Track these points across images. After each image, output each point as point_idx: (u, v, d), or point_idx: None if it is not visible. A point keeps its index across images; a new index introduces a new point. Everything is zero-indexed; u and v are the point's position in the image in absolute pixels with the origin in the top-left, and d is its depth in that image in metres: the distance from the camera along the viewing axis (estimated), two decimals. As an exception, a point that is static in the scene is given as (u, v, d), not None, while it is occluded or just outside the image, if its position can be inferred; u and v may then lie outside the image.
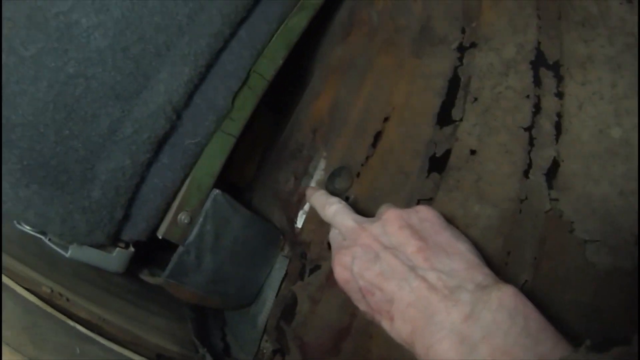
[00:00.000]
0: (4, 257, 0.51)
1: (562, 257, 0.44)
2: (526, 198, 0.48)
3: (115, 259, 0.52)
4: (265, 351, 0.65)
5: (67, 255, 0.50)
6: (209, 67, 0.51)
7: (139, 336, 0.56)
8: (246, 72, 0.58)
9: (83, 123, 0.43)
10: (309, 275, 0.61)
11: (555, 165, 0.48)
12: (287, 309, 0.63)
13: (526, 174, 0.49)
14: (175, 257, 0.57)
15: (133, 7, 0.44)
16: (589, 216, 0.43)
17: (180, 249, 0.56)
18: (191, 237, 0.57)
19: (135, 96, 0.45)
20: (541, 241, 0.45)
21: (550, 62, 0.53)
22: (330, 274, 0.58)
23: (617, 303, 0.40)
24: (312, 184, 0.67)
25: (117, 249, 0.52)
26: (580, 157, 0.47)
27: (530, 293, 0.42)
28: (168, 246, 0.56)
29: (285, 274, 0.65)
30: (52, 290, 0.51)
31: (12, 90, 0.42)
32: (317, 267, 0.60)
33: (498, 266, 0.46)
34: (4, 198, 0.43)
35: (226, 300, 0.65)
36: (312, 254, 0.62)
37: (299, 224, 0.66)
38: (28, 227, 0.48)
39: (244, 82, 0.58)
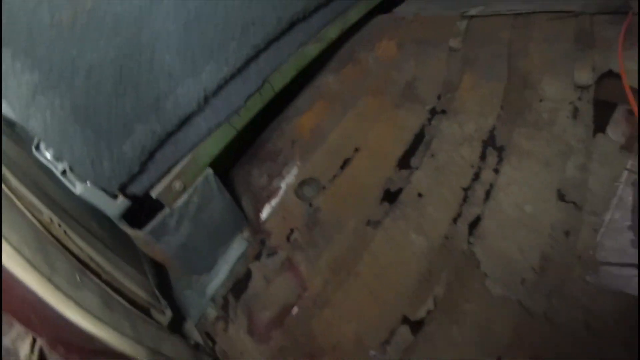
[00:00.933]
0: (12, 179, 0.57)
1: (468, 281, 0.60)
2: (451, 237, 0.64)
3: (116, 205, 0.59)
4: (208, 317, 0.74)
5: (77, 191, 0.56)
6: (241, 70, 0.62)
7: (118, 279, 0.63)
8: (262, 81, 0.69)
9: (138, 86, 0.51)
10: (266, 258, 0.72)
11: (477, 220, 0.65)
12: (239, 283, 0.73)
13: (455, 221, 0.66)
14: (159, 217, 0.65)
15: (204, 6, 0.54)
16: (493, 260, 0.60)
17: (167, 210, 0.65)
18: (178, 203, 0.66)
19: (183, 78, 0.55)
20: (456, 269, 0.61)
21: (498, 145, 0.71)
22: (285, 261, 0.70)
23: (504, 324, 0.57)
24: (283, 185, 0.79)
25: (121, 197, 0.60)
26: (497, 219, 0.64)
27: (441, 303, 0.58)
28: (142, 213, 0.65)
29: (242, 254, 0.76)
30: (51, 220, 0.57)
31: (88, 35, 0.49)
32: (274, 253, 0.72)
33: (420, 281, 0.61)
34: (44, 126, 0.50)
35: (186, 267, 0.74)
36: (271, 242, 0.74)
37: (264, 216, 0.77)
38: (48, 156, 0.54)
39: (258, 89, 0.69)
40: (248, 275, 0.73)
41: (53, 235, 0.56)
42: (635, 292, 0.57)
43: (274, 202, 0.77)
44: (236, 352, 0.68)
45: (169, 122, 0.56)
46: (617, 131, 0.67)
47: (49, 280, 0.48)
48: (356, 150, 0.80)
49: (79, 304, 0.50)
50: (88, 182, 0.56)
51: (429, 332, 0.58)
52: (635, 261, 0.61)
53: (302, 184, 0.78)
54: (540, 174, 0.67)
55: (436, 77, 0.85)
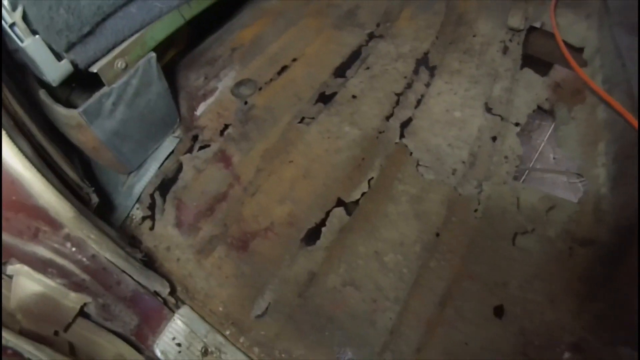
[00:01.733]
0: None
1: (401, 166, 0.63)
2: (384, 132, 0.67)
3: (59, 68, 0.54)
4: (134, 218, 0.70)
5: (23, 44, 0.51)
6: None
7: (47, 150, 0.57)
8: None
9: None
10: (198, 151, 0.70)
11: (409, 120, 0.68)
12: (167, 180, 0.70)
13: (387, 119, 0.68)
14: (97, 95, 0.60)
15: None
16: (424, 152, 0.64)
17: (105, 89, 0.61)
18: (118, 83, 0.62)
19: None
20: (388, 156, 0.64)
21: (430, 65, 0.77)
22: (217, 152, 0.68)
23: (439, 203, 0.60)
24: (220, 86, 0.77)
25: (66, 59, 0.55)
26: (428, 119, 0.68)
27: (375, 185, 0.60)
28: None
29: (172, 152, 0.72)
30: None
31: None
32: (206, 146, 0.70)
33: (354, 167, 0.63)
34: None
35: (116, 159, 0.69)
36: (204, 136, 0.71)
37: (199, 113, 0.75)
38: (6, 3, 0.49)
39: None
40: (178, 169, 0.69)
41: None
42: (556, 194, 0.63)
43: (209, 100, 0.75)
44: (162, 249, 0.64)
45: (124, -11, 0.54)
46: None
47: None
48: (294, 60, 0.81)
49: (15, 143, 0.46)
50: (38, 35, 0.52)
51: (364, 211, 0.60)
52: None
53: (238, 84, 0.76)
54: (469, 89, 0.73)
55: (378, 7, 0.90)
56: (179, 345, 0.57)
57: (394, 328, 0.52)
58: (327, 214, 0.60)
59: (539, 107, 0.72)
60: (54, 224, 0.53)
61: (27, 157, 0.48)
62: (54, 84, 0.56)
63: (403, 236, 0.57)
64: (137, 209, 0.71)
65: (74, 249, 0.56)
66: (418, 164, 0.63)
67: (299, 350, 0.53)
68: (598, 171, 0.63)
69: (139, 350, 0.59)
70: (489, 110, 0.70)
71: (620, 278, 0.55)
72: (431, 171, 0.63)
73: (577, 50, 0.77)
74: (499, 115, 0.70)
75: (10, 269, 0.51)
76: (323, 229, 0.59)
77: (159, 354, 0.58)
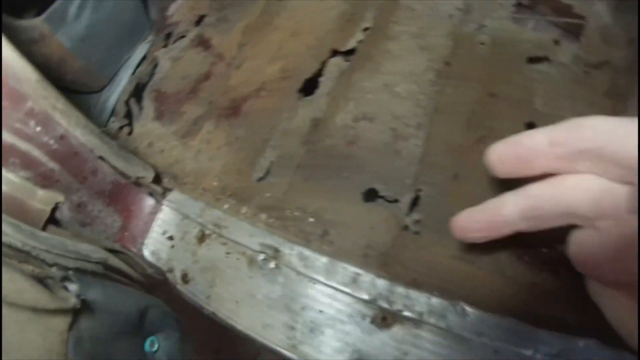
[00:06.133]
0: None
1: (394, 11, 0.56)
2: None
3: None
4: (110, 131, 0.63)
5: None
6: None
7: None
8: None
9: None
10: (173, 44, 0.63)
11: None
12: (143, 84, 0.62)
13: None
14: (59, 1, 0.55)
15: None
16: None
17: None
18: None
19: None
20: (379, 7, 0.57)
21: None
22: (194, 38, 0.61)
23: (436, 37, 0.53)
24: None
25: None
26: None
27: (371, 32, 0.53)
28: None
29: (145, 57, 0.65)
30: None
31: None
32: (182, 37, 0.63)
33: (346, 20, 0.56)
34: None
35: (86, 69, 0.63)
36: (179, 30, 0.65)
37: (171, 11, 0.68)
38: None
39: None
40: (154, 68, 0.62)
41: None
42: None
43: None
44: (144, 147, 0.56)
45: None
46: None
47: None
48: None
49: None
50: None
51: (364, 53, 0.52)
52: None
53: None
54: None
55: None
56: (170, 239, 0.49)
57: (423, 157, 0.44)
58: (323, 64, 0.53)
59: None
60: (15, 96, 0.44)
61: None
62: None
63: (412, 66, 0.50)
64: (113, 122, 0.63)
65: (38, 128, 0.47)
66: (412, 9, 0.56)
67: (316, 202, 0.44)
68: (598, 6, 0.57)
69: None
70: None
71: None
72: (425, 17, 0.56)
73: None
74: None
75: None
76: (320, 78, 0.51)
77: (148, 255, 0.49)
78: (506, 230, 0.30)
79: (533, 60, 0.53)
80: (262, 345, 0.41)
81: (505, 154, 0.30)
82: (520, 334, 0.36)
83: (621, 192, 0.24)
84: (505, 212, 0.29)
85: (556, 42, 0.55)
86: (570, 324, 0.36)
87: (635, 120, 0.23)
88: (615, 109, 0.51)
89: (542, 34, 0.55)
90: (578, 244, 0.28)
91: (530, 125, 0.46)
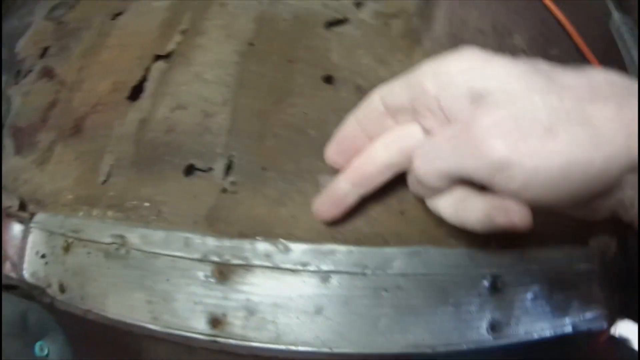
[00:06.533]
0: None
1: (206, 9, 0.62)
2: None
3: None
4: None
5: None
6: None
7: None
8: None
9: None
10: (23, 79, 0.67)
11: None
12: None
13: None
14: None
15: None
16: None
17: None
18: None
19: None
20: (194, 9, 0.63)
21: None
22: (40, 70, 0.66)
23: (242, 24, 0.59)
24: (34, 19, 0.74)
25: None
26: None
27: (189, 31, 0.59)
28: None
29: None
30: None
31: None
32: (29, 71, 0.68)
33: (166, 26, 0.62)
34: None
35: None
36: (25, 65, 0.68)
37: (18, 48, 0.72)
38: None
39: None
40: (8, 104, 0.67)
41: None
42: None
43: (26, 34, 0.73)
44: (10, 183, 0.61)
45: None
46: None
47: None
48: None
49: None
50: None
51: (179, 52, 0.59)
52: None
53: (51, 9, 0.75)
54: None
55: None
56: (43, 256, 0.54)
57: (231, 127, 0.51)
58: (147, 70, 0.59)
59: None
60: None
61: None
62: None
63: (219, 54, 0.56)
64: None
65: None
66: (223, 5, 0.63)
67: (148, 189, 0.50)
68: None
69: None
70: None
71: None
72: (233, 9, 0.62)
73: None
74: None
75: None
76: (145, 83, 0.57)
77: (29, 278, 0.54)
78: (350, 201, 0.37)
79: (332, 24, 0.60)
80: (132, 326, 0.47)
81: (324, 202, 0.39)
82: (334, 253, 0.43)
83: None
84: (339, 190, 0.36)
85: (358, 5, 0.62)
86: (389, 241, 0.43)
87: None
88: (411, 48, 0.58)
89: (344, 1, 0.62)
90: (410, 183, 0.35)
91: (328, 78, 0.54)
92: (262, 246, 0.44)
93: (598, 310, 0.49)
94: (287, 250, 0.44)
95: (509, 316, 0.45)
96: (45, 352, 0.49)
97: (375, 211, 0.44)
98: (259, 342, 0.43)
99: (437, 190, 0.30)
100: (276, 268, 0.44)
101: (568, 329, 0.47)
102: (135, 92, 0.57)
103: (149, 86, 0.57)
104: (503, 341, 0.44)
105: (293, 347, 0.42)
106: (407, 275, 0.43)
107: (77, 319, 0.52)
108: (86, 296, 0.50)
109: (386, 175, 0.34)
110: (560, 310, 0.47)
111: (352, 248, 0.42)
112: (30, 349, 0.48)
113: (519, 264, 0.46)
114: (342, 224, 0.43)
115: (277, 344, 0.42)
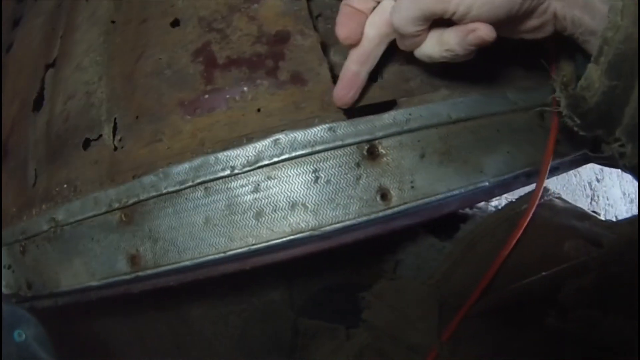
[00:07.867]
0: None
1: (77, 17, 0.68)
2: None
3: None
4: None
5: None
6: None
7: None
8: None
9: None
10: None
11: None
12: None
13: None
14: None
15: None
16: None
17: None
18: None
19: None
20: (68, 13, 0.69)
21: None
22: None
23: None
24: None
25: None
26: None
27: (64, 38, 0.64)
28: None
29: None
30: None
31: None
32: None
33: (49, 37, 0.68)
34: None
35: None
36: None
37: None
38: None
39: None
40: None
41: None
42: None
43: None
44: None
45: None
46: None
47: None
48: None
49: None
50: None
51: (61, 53, 0.64)
52: None
53: None
54: None
55: None
56: (9, 267, 0.63)
57: (109, 96, 0.56)
58: (42, 80, 0.65)
59: None
60: None
61: None
62: None
63: (89, 41, 0.61)
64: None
65: None
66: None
67: (63, 173, 0.56)
68: None
69: None
70: None
71: None
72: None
73: None
74: None
75: None
76: (44, 92, 0.64)
77: (5, 290, 0.63)
78: (362, 79, 0.40)
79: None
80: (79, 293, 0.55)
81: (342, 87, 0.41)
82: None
83: None
84: (351, 72, 0.39)
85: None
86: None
87: None
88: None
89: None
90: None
91: (175, 22, 0.57)
92: (147, 180, 0.49)
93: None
94: (166, 176, 0.48)
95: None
96: (23, 337, 0.57)
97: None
98: (167, 265, 0.48)
99: (418, 37, 0.36)
100: (162, 195, 0.48)
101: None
102: (39, 102, 0.64)
103: (47, 92, 0.64)
104: (400, 208, 0.41)
105: (198, 260, 0.47)
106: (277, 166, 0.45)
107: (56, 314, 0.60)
108: (45, 283, 0.58)
109: (381, 46, 0.39)
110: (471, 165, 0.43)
111: (219, 155, 0.47)
112: (9, 336, 0.56)
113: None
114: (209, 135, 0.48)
115: (180, 262, 0.47)
